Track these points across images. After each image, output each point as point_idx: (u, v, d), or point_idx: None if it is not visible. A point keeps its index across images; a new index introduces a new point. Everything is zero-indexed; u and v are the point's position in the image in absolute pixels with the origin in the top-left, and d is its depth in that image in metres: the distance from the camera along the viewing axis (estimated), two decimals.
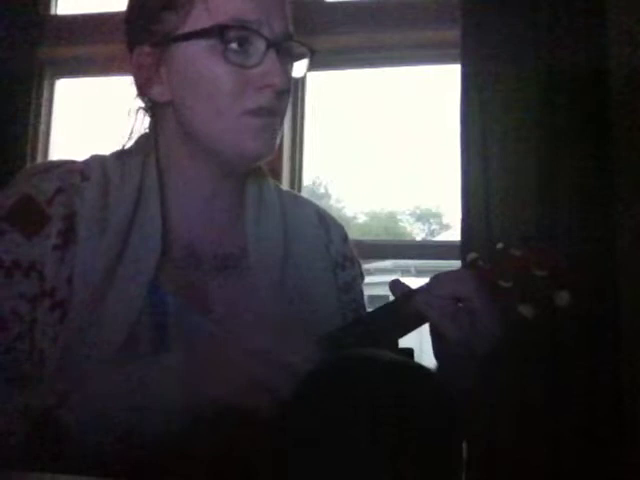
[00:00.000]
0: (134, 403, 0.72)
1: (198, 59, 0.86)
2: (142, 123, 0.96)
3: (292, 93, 0.92)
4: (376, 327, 0.82)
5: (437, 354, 0.86)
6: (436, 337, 0.85)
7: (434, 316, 0.81)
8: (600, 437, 1.60)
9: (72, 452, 0.72)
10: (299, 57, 0.92)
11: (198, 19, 0.85)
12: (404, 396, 0.61)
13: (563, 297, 0.85)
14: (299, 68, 0.92)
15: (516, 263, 0.86)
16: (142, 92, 0.92)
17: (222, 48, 0.84)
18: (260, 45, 0.85)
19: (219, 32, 0.84)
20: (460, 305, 0.82)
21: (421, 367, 0.69)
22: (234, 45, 0.85)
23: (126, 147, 0.95)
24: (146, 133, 0.95)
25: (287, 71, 0.89)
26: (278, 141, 0.90)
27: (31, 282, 0.81)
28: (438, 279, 0.84)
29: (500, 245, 0.89)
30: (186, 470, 0.74)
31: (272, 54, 0.85)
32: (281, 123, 0.90)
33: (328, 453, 0.58)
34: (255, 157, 0.89)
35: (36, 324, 0.80)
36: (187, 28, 0.86)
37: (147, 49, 0.89)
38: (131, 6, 0.93)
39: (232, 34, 0.84)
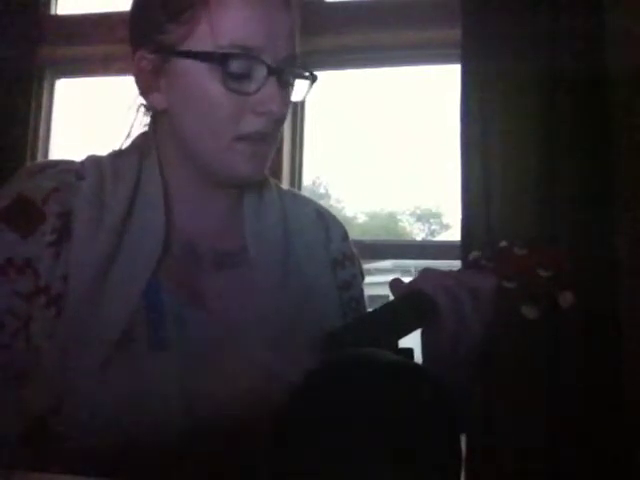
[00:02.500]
0: (130, 402, 0.72)
1: (197, 78, 0.85)
2: (141, 122, 0.96)
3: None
4: (376, 327, 0.82)
5: (425, 352, 0.86)
6: (426, 333, 0.85)
7: (431, 288, 0.82)
8: (600, 437, 1.60)
9: (69, 454, 0.72)
10: (300, 78, 0.91)
11: (201, 38, 0.84)
12: (402, 396, 0.60)
13: (567, 298, 0.84)
14: (299, 91, 0.92)
15: (520, 263, 0.85)
16: (142, 94, 0.92)
17: (222, 74, 0.83)
18: (261, 71, 0.84)
19: (220, 58, 0.83)
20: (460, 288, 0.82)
21: (420, 367, 0.69)
22: (234, 71, 0.84)
23: (123, 147, 0.95)
24: (144, 132, 0.95)
25: (286, 97, 0.88)
26: (269, 164, 0.91)
27: (26, 279, 0.81)
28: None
29: (504, 244, 0.88)
30: (186, 471, 0.74)
31: (272, 81, 0.85)
32: (273, 148, 0.90)
33: (327, 453, 0.58)
34: (244, 180, 0.90)
35: (32, 321, 0.80)
36: (190, 45, 0.85)
37: (148, 55, 0.88)
38: (136, 8, 0.92)
39: (233, 61, 0.83)
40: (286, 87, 0.88)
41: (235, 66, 0.83)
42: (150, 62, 0.88)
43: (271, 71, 0.84)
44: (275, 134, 0.89)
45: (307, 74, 0.91)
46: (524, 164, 1.71)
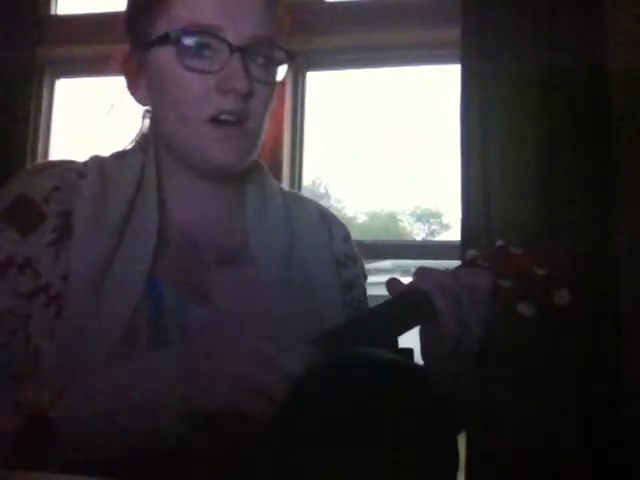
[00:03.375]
0: (131, 401, 0.72)
1: (163, 65, 0.86)
2: (144, 124, 0.97)
3: (292, 93, 0.92)
4: (374, 325, 0.82)
5: (424, 352, 0.86)
6: (424, 332, 0.85)
7: (428, 287, 0.81)
8: (600, 437, 1.60)
9: (67, 453, 0.71)
10: (280, 61, 0.90)
11: (163, 25, 0.86)
12: (401, 395, 0.60)
13: (563, 296, 0.84)
14: (280, 72, 0.90)
15: (516, 261, 0.85)
16: (130, 93, 0.93)
17: (177, 53, 0.84)
18: (223, 50, 0.84)
19: (175, 38, 0.84)
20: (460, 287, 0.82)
21: (418, 367, 0.69)
22: (192, 50, 0.84)
23: (127, 148, 0.96)
24: (146, 134, 0.96)
25: (255, 75, 0.86)
26: (251, 155, 0.90)
27: (26, 279, 0.81)
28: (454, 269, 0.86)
29: (500, 242, 0.88)
30: (185, 471, 0.74)
31: (236, 58, 0.84)
32: (249, 135, 0.88)
33: (325, 452, 0.58)
34: (221, 167, 0.88)
35: (31, 320, 0.80)
36: (155, 34, 0.87)
37: (130, 53, 0.91)
38: (126, 10, 0.94)
39: (189, 40, 0.84)
40: (256, 66, 0.87)
41: (193, 43, 0.84)
42: (132, 59, 0.90)
43: (233, 49, 0.84)
44: (246, 114, 0.86)
45: (282, 53, 0.90)
46: (524, 164, 1.72)
